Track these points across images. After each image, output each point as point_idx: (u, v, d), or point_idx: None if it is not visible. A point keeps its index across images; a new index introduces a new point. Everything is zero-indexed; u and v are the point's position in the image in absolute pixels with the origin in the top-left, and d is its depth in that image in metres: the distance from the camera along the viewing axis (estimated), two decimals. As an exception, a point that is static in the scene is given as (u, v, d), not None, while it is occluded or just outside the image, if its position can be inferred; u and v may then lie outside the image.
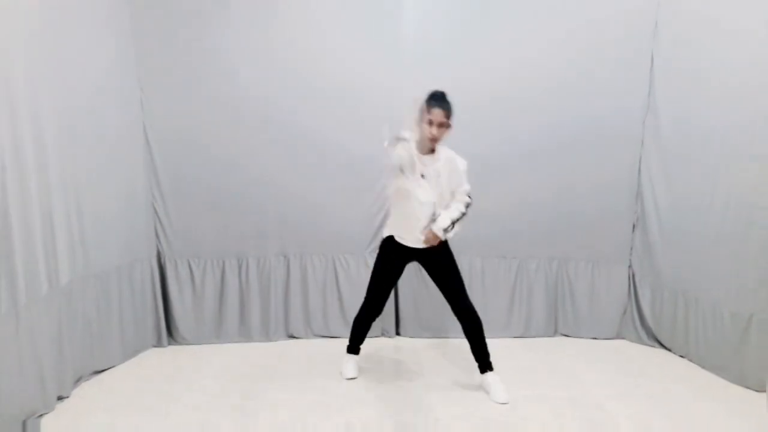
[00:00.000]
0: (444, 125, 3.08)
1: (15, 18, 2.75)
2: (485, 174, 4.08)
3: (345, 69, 3.98)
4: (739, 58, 3.35)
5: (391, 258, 3.36)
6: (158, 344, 4.04)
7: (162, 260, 4.07)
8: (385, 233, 3.39)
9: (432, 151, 3.18)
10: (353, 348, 3.60)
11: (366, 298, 3.46)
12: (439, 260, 3.32)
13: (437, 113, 3.05)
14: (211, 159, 4.00)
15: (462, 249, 4.18)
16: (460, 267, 4.17)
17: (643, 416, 3.02)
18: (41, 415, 2.90)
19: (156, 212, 4.01)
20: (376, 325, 4.19)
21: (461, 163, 3.22)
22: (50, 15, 3.03)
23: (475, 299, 4.19)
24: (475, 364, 3.39)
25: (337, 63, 3.97)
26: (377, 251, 3.44)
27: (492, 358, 3.35)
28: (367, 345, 4.06)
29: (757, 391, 3.27)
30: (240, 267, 4.15)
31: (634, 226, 4.20)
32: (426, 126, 3.07)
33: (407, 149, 3.06)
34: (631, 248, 4.23)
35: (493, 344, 4.05)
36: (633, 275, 4.24)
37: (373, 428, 2.90)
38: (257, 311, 4.17)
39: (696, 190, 3.66)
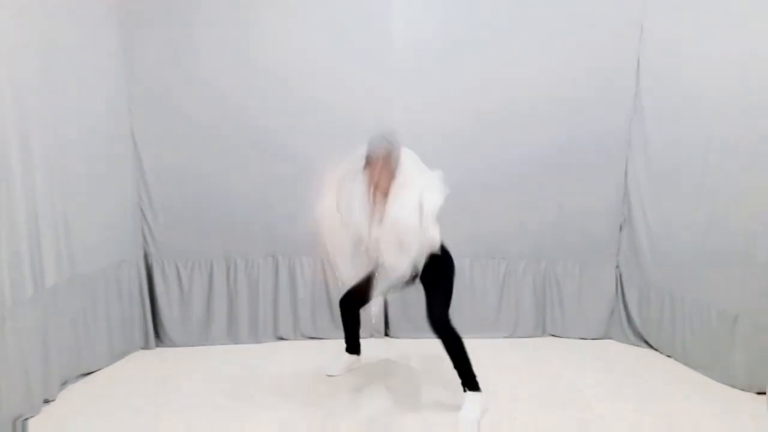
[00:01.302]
0: (385, 167, 2.82)
1: (1, 21, 2.72)
2: (473, 176, 4.10)
3: (333, 77, 3.95)
4: (723, 70, 3.38)
5: None
6: (146, 346, 4.00)
7: (149, 262, 4.04)
8: None
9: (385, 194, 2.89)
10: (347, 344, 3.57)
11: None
12: (430, 270, 2.99)
13: (374, 156, 2.83)
14: (198, 160, 3.97)
15: (451, 250, 4.20)
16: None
17: (630, 416, 3.04)
18: (27, 419, 2.87)
19: (143, 214, 3.98)
20: (365, 325, 4.19)
21: (425, 195, 2.78)
22: (38, 21, 3.01)
23: (464, 300, 4.24)
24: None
25: (325, 72, 3.95)
26: None
27: (481, 358, 3.29)
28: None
29: (743, 390, 3.30)
30: (228, 268, 4.13)
31: (621, 227, 4.22)
32: (368, 174, 2.87)
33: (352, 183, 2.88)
34: (618, 249, 4.25)
35: (481, 344, 4.08)
36: (620, 275, 4.26)
37: (363, 429, 2.90)
38: (245, 313, 4.15)
39: (682, 190, 3.69)
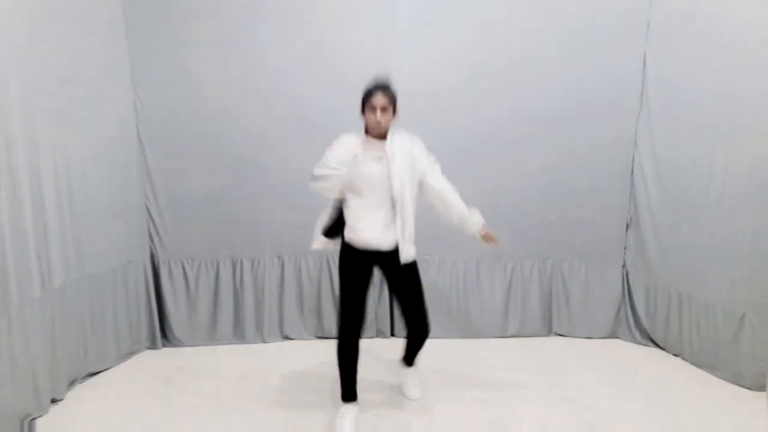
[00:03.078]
0: (386, 109, 2.90)
1: (6, 18, 2.73)
2: (479, 176, 4.10)
3: (338, 58, 3.95)
4: (736, 39, 3.34)
5: (352, 263, 3.02)
6: (152, 346, 4.02)
7: (156, 262, 4.06)
8: (344, 238, 3.03)
9: (383, 137, 2.96)
10: (348, 393, 3.03)
11: (339, 319, 3.04)
12: (402, 268, 2.97)
13: (378, 98, 2.89)
14: (204, 160, 3.98)
15: (457, 250, 4.21)
16: (455, 268, 4.22)
17: (637, 415, 3.04)
18: (35, 418, 2.88)
19: (149, 213, 3.99)
20: (371, 326, 4.21)
21: (418, 145, 3.02)
22: (42, 16, 3.02)
23: (471, 300, 4.25)
24: (468, 365, 3.47)
25: (331, 53, 3.94)
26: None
27: (488, 357, 3.34)
28: (363, 345, 4.03)
29: (750, 389, 3.29)
30: (234, 268, 4.14)
31: (627, 226, 4.21)
32: (369, 114, 2.91)
33: (349, 145, 2.94)
34: (625, 248, 4.24)
35: (488, 344, 4.11)
36: (627, 274, 4.25)
37: (369, 429, 2.90)
38: (252, 312, 4.16)
39: (689, 190, 3.68)
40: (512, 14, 3.97)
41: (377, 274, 3.52)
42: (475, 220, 3.03)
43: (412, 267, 3.03)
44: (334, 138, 3.42)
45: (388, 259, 2.95)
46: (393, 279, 3.07)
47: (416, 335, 3.16)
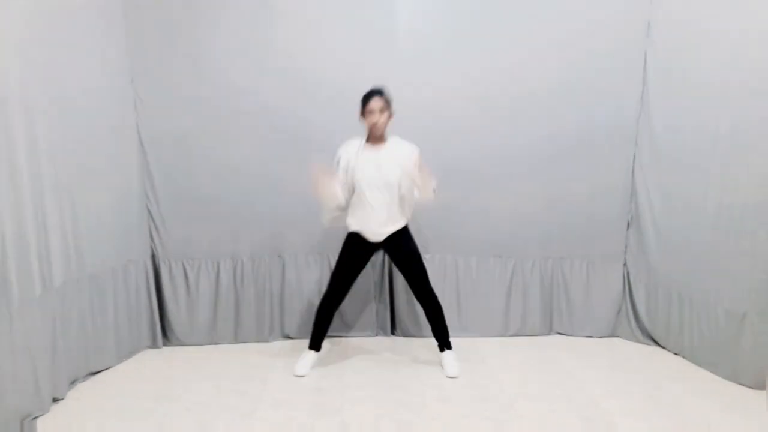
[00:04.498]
0: (383, 110, 3.35)
1: (6, 17, 2.74)
2: (480, 175, 4.10)
3: (340, 67, 3.95)
4: (730, 59, 3.35)
5: (355, 250, 3.55)
6: (153, 345, 4.02)
7: (156, 261, 4.06)
8: (350, 229, 3.54)
9: (382, 139, 3.44)
10: (315, 343, 3.71)
11: (328, 288, 3.66)
12: (400, 247, 3.54)
13: (374, 102, 3.34)
14: (205, 159, 3.98)
15: (458, 249, 4.22)
16: (456, 267, 4.25)
17: (637, 413, 3.03)
18: (36, 417, 2.88)
19: (150, 213, 3.99)
20: (372, 324, 4.22)
21: (411, 149, 3.41)
22: (42, 16, 3.02)
23: (471, 298, 4.26)
24: (469, 363, 3.50)
25: (332, 61, 3.95)
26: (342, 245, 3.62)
27: (488, 356, 3.36)
28: (363, 344, 4.10)
29: (751, 388, 3.29)
30: (235, 267, 4.14)
31: (628, 225, 4.21)
32: (368, 117, 3.36)
33: (351, 149, 3.43)
34: (626, 247, 4.24)
35: (489, 342, 4.11)
36: (627, 273, 4.25)
37: (370, 428, 2.90)
38: (252, 312, 4.16)
39: (690, 189, 3.68)
40: (512, 44, 3.99)
41: (376, 272, 4.12)
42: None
43: (408, 242, 3.55)
44: (330, 148, 3.51)
45: (390, 240, 3.49)
46: (396, 256, 3.59)
47: (431, 311, 3.61)
